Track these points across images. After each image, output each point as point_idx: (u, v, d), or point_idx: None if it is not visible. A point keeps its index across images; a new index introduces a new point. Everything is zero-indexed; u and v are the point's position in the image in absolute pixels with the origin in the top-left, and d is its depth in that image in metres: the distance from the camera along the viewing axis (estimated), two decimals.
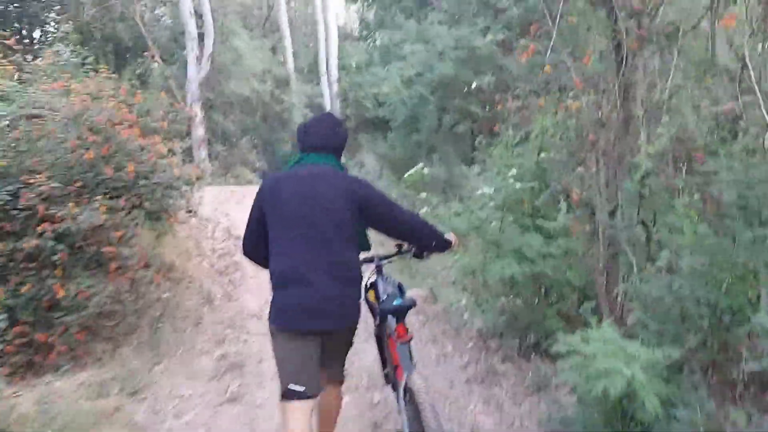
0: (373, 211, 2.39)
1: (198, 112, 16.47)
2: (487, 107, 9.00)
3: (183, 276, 6.56)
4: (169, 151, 5.91)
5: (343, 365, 2.64)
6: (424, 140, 10.34)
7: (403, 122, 10.89)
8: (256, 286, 6.67)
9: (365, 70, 23.27)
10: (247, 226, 2.55)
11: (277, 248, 2.34)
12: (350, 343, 2.57)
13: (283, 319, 2.31)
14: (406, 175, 5.32)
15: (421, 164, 5.33)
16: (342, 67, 21.66)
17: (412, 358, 2.40)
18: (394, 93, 10.64)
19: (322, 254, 2.28)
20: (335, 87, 20.85)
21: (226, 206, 9.93)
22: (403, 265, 7.53)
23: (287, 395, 2.29)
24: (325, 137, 2.52)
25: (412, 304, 2.41)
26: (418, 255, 2.73)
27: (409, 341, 2.41)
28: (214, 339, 5.17)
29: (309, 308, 2.26)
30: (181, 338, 5.12)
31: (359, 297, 2.39)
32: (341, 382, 2.66)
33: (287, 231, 2.31)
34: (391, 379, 2.68)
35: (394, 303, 2.38)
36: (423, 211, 4.77)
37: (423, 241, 2.57)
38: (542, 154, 4.68)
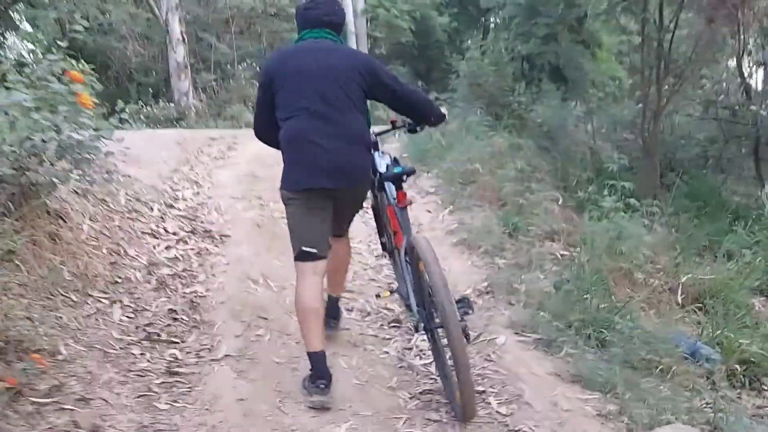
0: (381, 84, 2.44)
1: (176, 27, 11.94)
2: None
3: (39, 368, 2.39)
4: None
5: (350, 223, 2.74)
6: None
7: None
8: (233, 385, 2.52)
9: None
10: (256, 110, 2.56)
11: (288, 118, 2.35)
12: (360, 206, 2.67)
13: (296, 180, 2.36)
14: None
15: None
16: None
17: (410, 223, 2.51)
18: None
19: (333, 121, 2.31)
20: (360, 2, 16.11)
21: (199, 167, 5.66)
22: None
23: (301, 257, 2.44)
24: (325, 14, 2.48)
25: (411, 171, 2.53)
26: (413, 130, 2.78)
27: (408, 206, 2.51)
28: None
29: (320, 168, 2.31)
30: None
31: (369, 161, 2.50)
32: (346, 235, 2.77)
33: (298, 102, 2.33)
34: (387, 247, 2.90)
35: (395, 170, 2.48)
36: None
37: (424, 113, 2.62)
38: None
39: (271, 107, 2.40)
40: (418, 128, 2.76)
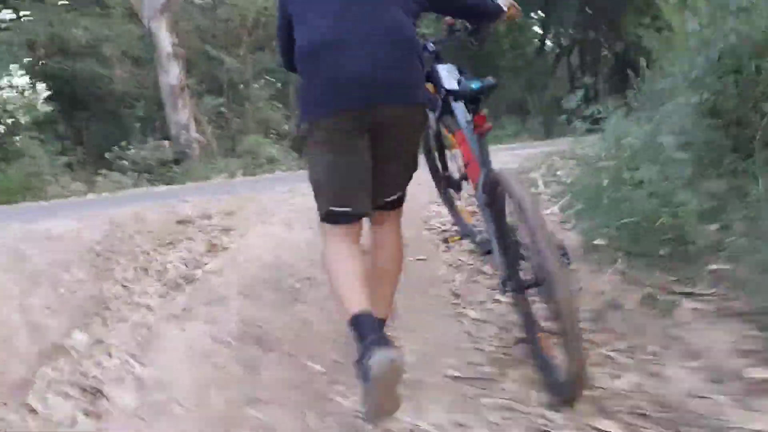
0: None
1: (165, 38, 8.86)
2: None
3: None
4: None
5: (405, 181, 1.83)
6: None
7: None
8: None
9: None
10: (278, 37, 1.85)
11: (303, 24, 1.67)
12: (414, 144, 1.81)
13: (314, 104, 1.63)
14: None
15: None
16: None
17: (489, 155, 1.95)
18: None
19: (367, 17, 1.62)
20: None
21: (125, 324, 2.32)
22: None
23: (328, 218, 1.73)
24: None
25: (493, 85, 1.98)
26: (473, 33, 2.25)
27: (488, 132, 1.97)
28: None
29: (349, 80, 1.58)
30: None
31: (421, 74, 1.76)
32: (399, 205, 1.84)
33: (319, 3, 1.66)
34: (447, 184, 2.44)
35: (473, 86, 1.92)
36: None
37: (483, 9, 2.06)
38: None
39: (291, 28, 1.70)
40: (477, 32, 2.23)
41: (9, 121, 9.48)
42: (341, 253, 1.71)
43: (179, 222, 3.29)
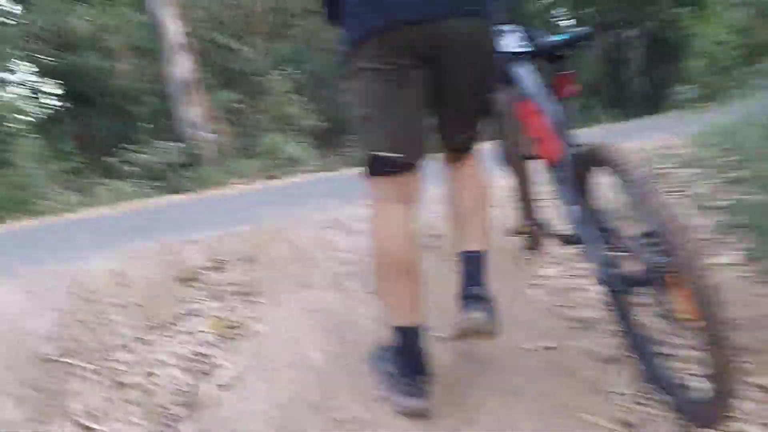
0: None
1: (172, 21, 7.88)
2: None
3: None
4: None
5: (478, 119, 1.51)
6: None
7: None
8: None
9: None
10: None
11: None
12: (486, 70, 1.42)
13: (361, 19, 1.31)
14: None
15: None
16: None
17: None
18: None
19: None
20: None
21: None
22: None
23: (374, 168, 1.41)
24: None
25: (586, 35, 1.64)
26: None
27: (572, 96, 1.59)
28: None
29: None
30: None
31: None
32: (470, 148, 1.54)
33: None
34: (512, 157, 1.95)
35: (555, 38, 1.57)
36: None
37: None
38: None
39: None
40: None
41: (8, 125, 8.61)
42: (392, 229, 1.38)
43: (180, 279, 2.31)
